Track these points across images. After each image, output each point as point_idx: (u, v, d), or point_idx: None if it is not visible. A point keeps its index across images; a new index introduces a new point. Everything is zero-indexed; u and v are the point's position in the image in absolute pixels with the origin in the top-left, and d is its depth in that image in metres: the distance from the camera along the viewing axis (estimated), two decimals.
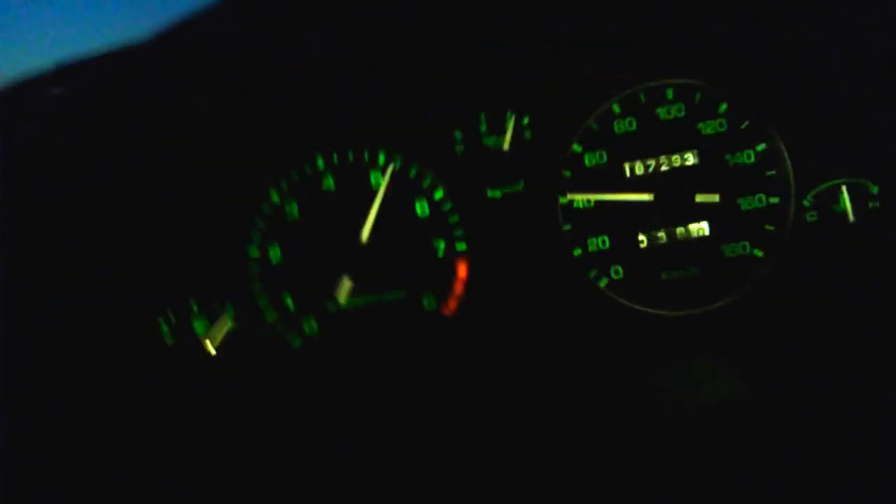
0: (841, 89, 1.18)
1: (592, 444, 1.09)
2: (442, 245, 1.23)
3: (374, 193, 1.22)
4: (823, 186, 1.19)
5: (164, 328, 1.21)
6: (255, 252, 1.24)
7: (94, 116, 1.11)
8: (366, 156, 1.23)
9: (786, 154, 1.19)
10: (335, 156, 1.23)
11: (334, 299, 1.22)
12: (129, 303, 1.21)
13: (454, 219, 1.23)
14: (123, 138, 1.17)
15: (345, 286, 1.22)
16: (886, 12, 1.09)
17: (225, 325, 1.21)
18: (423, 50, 1.19)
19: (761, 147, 1.20)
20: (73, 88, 1.09)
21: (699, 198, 1.19)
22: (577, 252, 1.22)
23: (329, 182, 1.23)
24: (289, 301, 1.24)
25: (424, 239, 1.23)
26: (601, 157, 1.22)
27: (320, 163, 1.23)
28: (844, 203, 1.18)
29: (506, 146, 1.21)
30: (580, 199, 1.22)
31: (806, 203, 1.20)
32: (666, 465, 1.02)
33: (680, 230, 1.21)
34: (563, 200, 1.22)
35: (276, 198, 1.24)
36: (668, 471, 1.01)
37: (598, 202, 1.22)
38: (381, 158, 1.23)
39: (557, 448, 1.11)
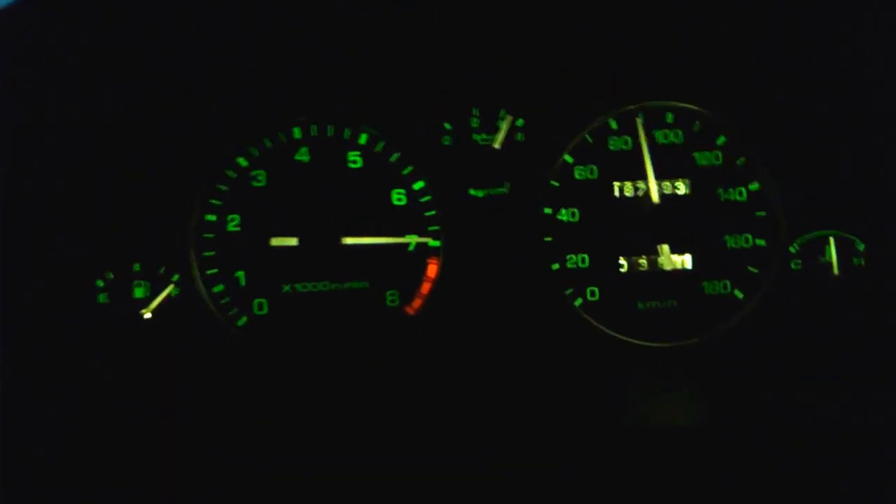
0: (845, 143, 1.16)
1: (541, 458, 1.04)
2: (414, 239, 1.16)
3: (349, 173, 1.15)
4: (812, 235, 1.16)
5: (100, 284, 1.10)
6: (211, 217, 1.14)
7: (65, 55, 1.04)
8: (346, 132, 1.15)
9: (778, 197, 1.16)
10: (314, 128, 1.15)
11: (289, 280, 1.13)
12: (70, 258, 1.10)
13: (431, 213, 1.16)
14: (93, 81, 1.10)
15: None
16: None
17: (165, 290, 1.11)
18: (426, 33, 1.13)
19: (754, 186, 1.16)
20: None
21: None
22: (555, 267, 1.16)
23: (304, 154, 1.15)
24: (240, 275, 1.14)
25: (397, 230, 1.15)
26: (592, 171, 1.17)
27: (297, 132, 1.15)
28: (831, 255, 1.15)
29: (497, 145, 1.15)
30: (565, 211, 1.16)
31: (792, 250, 1.16)
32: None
33: (662, 260, 1.17)
34: (547, 210, 1.16)
35: (244, 162, 1.14)
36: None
37: (582, 218, 1.16)
38: (363, 138, 1.15)
39: (502, 459, 1.05)
